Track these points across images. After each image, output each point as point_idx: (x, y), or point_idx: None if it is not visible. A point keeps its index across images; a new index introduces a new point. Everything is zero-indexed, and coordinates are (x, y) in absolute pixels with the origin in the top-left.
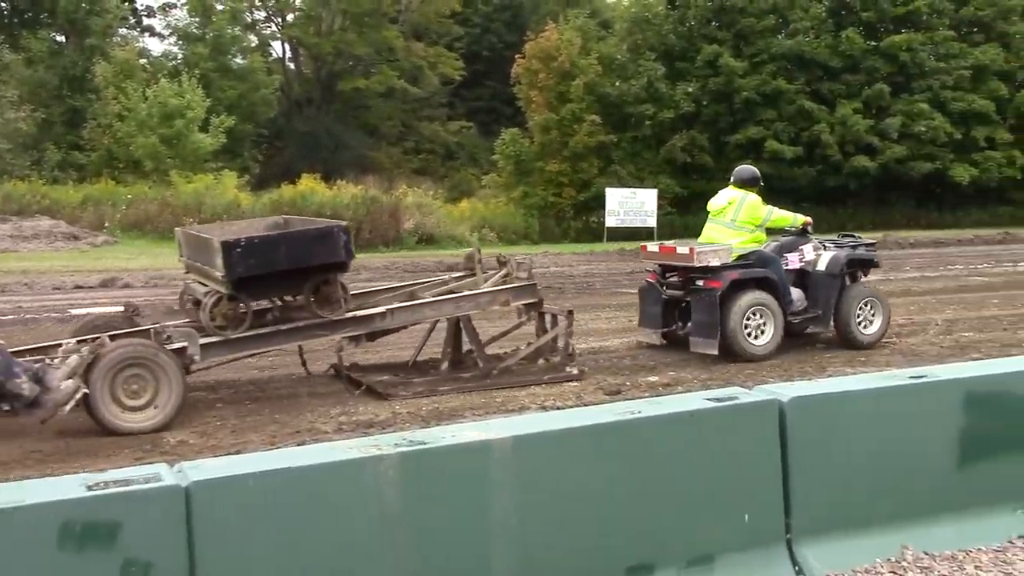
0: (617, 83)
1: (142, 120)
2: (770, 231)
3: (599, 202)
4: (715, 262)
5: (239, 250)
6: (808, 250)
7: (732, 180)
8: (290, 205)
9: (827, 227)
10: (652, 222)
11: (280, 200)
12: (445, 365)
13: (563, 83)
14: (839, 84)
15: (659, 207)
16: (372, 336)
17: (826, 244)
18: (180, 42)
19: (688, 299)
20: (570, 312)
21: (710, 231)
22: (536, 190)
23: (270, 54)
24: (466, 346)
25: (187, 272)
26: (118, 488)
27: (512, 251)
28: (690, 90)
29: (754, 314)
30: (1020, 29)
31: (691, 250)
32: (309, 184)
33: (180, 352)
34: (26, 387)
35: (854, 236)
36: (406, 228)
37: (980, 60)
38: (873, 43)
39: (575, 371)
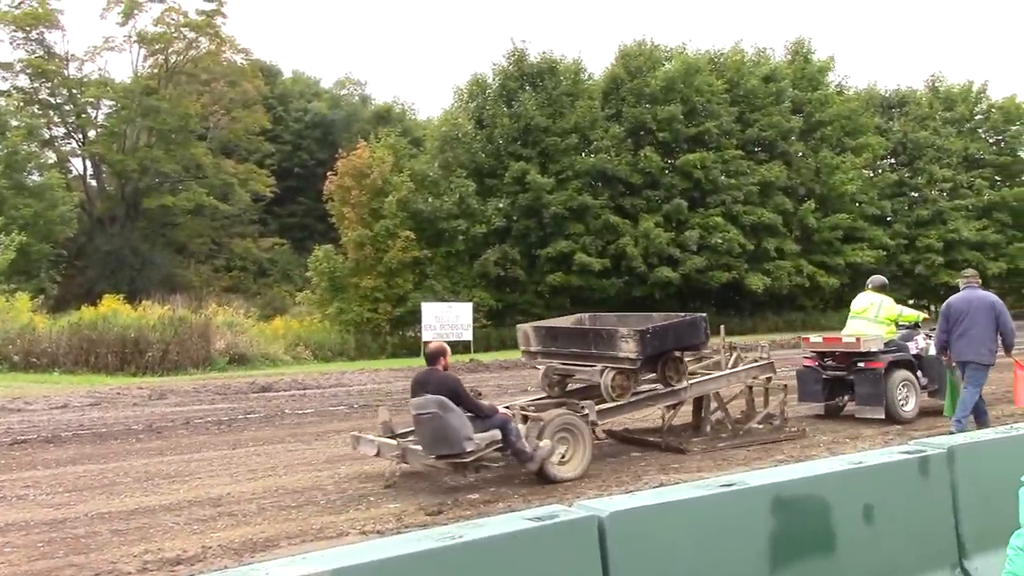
0: (430, 199)
1: None
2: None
3: (415, 316)
4: (875, 348)
5: (649, 335)
6: (921, 339)
7: (870, 286)
8: (91, 327)
9: None
10: (468, 335)
11: (80, 322)
12: (709, 428)
13: (376, 200)
14: (641, 199)
15: (475, 320)
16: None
17: (930, 335)
18: None
19: (851, 377)
20: (786, 385)
21: (856, 325)
22: (351, 306)
23: (70, 171)
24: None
25: (541, 358)
26: None
27: (328, 368)
28: (501, 206)
29: (902, 387)
30: (798, 148)
31: (857, 339)
32: (112, 305)
33: (585, 418)
34: (527, 446)
35: None
36: (217, 348)
37: (766, 177)
38: (670, 161)
39: (795, 429)
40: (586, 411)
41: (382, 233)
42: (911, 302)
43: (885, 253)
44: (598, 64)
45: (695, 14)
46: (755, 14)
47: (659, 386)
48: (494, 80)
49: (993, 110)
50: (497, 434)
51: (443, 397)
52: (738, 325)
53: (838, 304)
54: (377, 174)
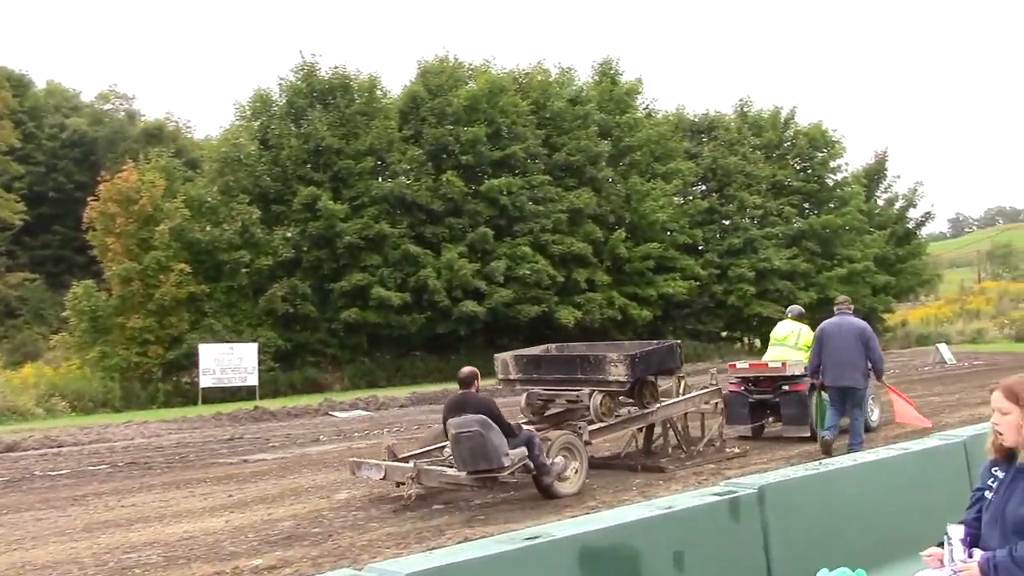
0: (208, 228)
1: None
2: None
3: (192, 360)
4: (798, 372)
5: (637, 360)
6: None
7: (789, 315)
8: None
9: (441, 376)
10: (253, 379)
11: None
12: (670, 449)
13: (146, 228)
14: (443, 227)
15: (260, 362)
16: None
17: None
18: None
19: (777, 400)
20: (723, 410)
21: (778, 351)
22: (116, 349)
23: None
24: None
25: (521, 385)
26: None
27: (89, 422)
28: (289, 235)
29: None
30: (607, 174)
31: (783, 364)
32: None
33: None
34: (548, 462)
35: None
36: None
37: (575, 204)
38: (473, 187)
39: (737, 450)
40: (582, 431)
41: (153, 266)
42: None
43: (698, 284)
44: (396, 81)
45: (498, 30)
46: (559, 32)
47: (631, 409)
48: (281, 96)
49: (800, 136)
50: (524, 450)
51: (484, 416)
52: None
53: (652, 338)
54: (147, 200)
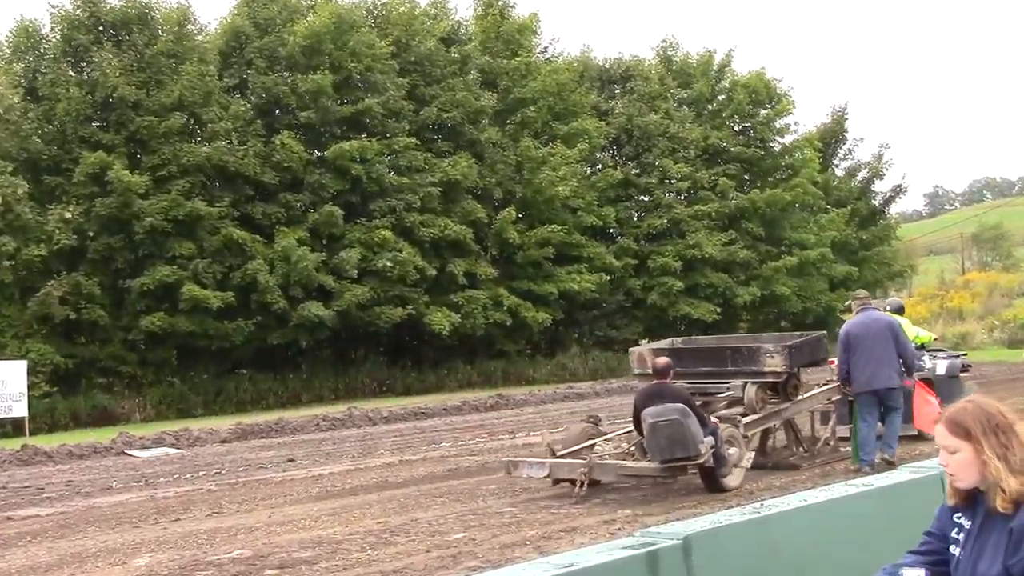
0: None
1: None
2: None
3: None
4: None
5: (794, 350)
6: (927, 360)
7: (888, 308)
8: None
9: (277, 400)
10: (21, 409)
11: None
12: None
13: None
14: (277, 206)
15: (31, 386)
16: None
17: (935, 355)
18: None
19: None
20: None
21: None
22: None
23: None
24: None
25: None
26: None
27: None
28: (69, 216)
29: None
30: (492, 136)
31: None
32: None
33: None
34: (726, 452)
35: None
36: None
37: (450, 174)
38: (317, 152)
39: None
40: (739, 423)
41: None
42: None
43: (610, 278)
44: (213, 12)
45: None
46: None
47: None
48: (54, 30)
49: (738, 88)
50: (712, 440)
51: (683, 405)
52: (417, 380)
53: (552, 348)
54: None
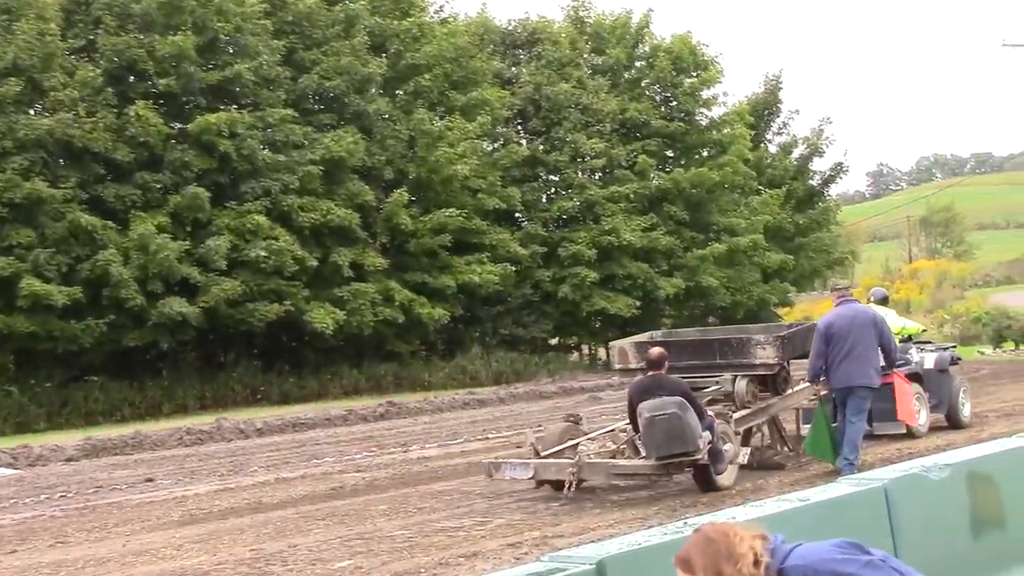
0: None
1: None
2: None
3: None
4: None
5: (786, 341)
6: (915, 352)
7: (872, 299)
8: None
9: (133, 412)
10: None
11: None
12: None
13: None
14: (132, 188)
15: None
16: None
17: (923, 347)
18: None
19: None
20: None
21: None
22: None
23: None
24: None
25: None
26: None
27: None
28: None
29: (915, 401)
30: (381, 107)
31: None
32: None
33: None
34: (723, 448)
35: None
36: None
37: (333, 151)
38: (178, 125)
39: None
40: (730, 419)
41: None
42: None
43: (515, 269)
44: None
45: None
46: None
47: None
48: None
49: (660, 54)
50: (709, 435)
51: (681, 397)
52: (296, 387)
53: (450, 348)
54: None
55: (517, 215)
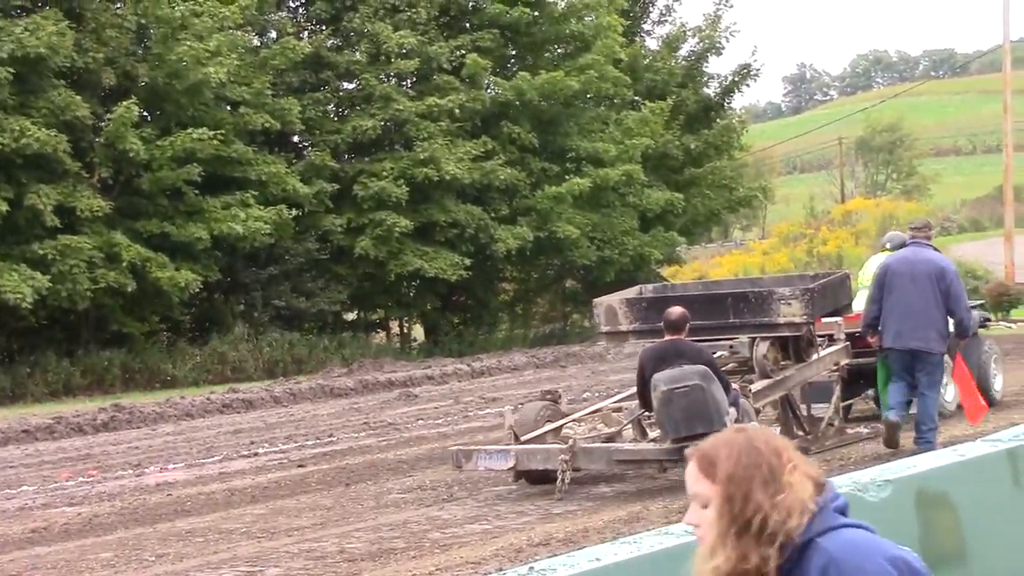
0: None
1: None
2: None
3: None
4: None
5: (816, 294)
6: None
7: (888, 245)
8: None
9: None
10: None
11: None
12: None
13: None
14: None
15: None
16: None
17: None
18: None
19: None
20: (842, 378)
21: None
22: None
23: None
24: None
25: (636, 338)
26: None
27: None
28: None
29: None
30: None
31: None
32: None
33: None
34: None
35: None
36: None
37: (27, 47)
38: None
39: (866, 430)
40: (748, 391)
41: None
42: None
43: (294, 214)
44: None
45: None
46: None
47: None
48: None
49: None
50: (734, 412)
51: (705, 367)
52: None
53: (202, 329)
54: None
55: (296, 138)
